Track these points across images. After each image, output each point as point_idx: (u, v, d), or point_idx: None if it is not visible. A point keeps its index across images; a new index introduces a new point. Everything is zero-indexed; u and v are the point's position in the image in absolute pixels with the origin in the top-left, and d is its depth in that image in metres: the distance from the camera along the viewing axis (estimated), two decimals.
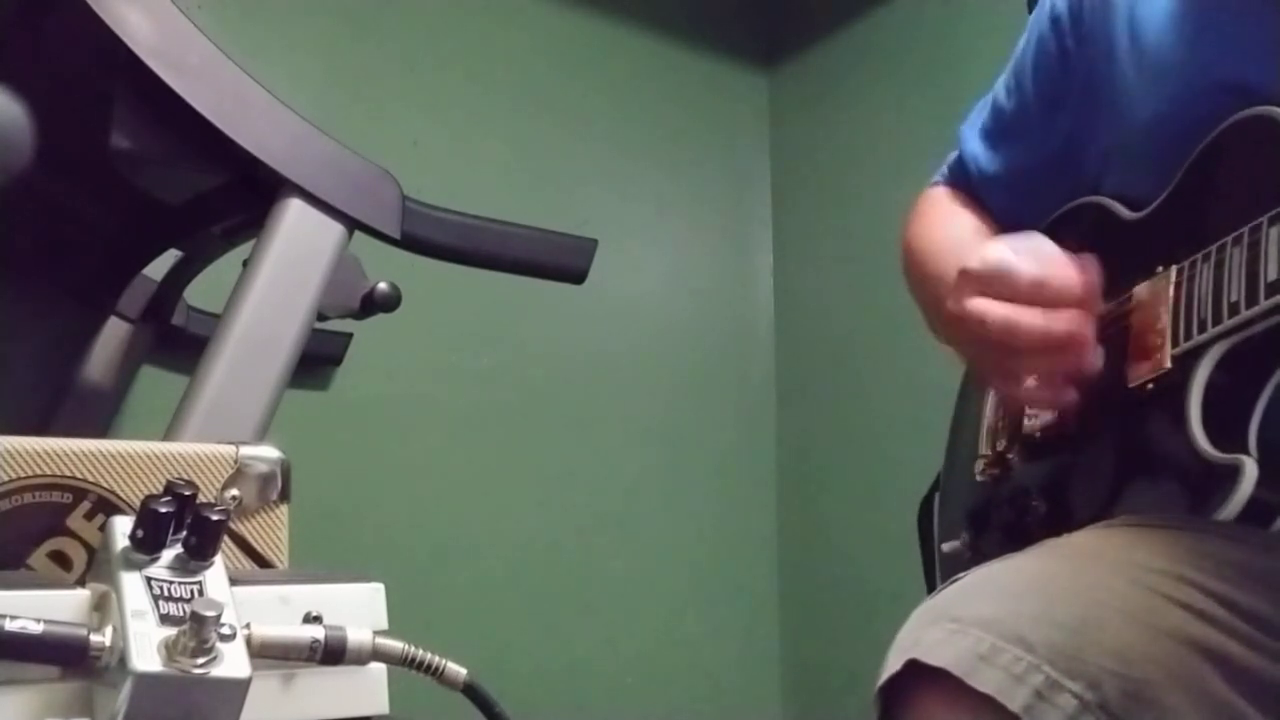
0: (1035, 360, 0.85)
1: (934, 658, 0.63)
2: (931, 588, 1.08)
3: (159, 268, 1.63)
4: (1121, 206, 0.94)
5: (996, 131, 1.11)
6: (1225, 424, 0.75)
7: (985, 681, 0.61)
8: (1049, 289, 0.83)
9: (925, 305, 1.06)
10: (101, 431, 1.62)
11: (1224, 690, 0.63)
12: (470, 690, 0.67)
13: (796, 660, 2.46)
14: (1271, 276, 0.72)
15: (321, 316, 1.33)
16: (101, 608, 0.61)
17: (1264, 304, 0.73)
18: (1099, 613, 0.63)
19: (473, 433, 2.15)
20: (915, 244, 1.11)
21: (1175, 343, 0.80)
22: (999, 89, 1.11)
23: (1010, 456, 0.98)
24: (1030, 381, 0.87)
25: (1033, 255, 0.85)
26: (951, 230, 1.09)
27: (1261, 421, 0.73)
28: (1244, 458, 0.72)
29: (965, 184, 1.14)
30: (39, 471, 0.72)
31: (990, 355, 0.87)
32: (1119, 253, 0.92)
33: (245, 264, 1.23)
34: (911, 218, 1.14)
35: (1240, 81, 0.82)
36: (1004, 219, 1.10)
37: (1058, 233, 1.01)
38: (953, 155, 1.17)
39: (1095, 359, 0.84)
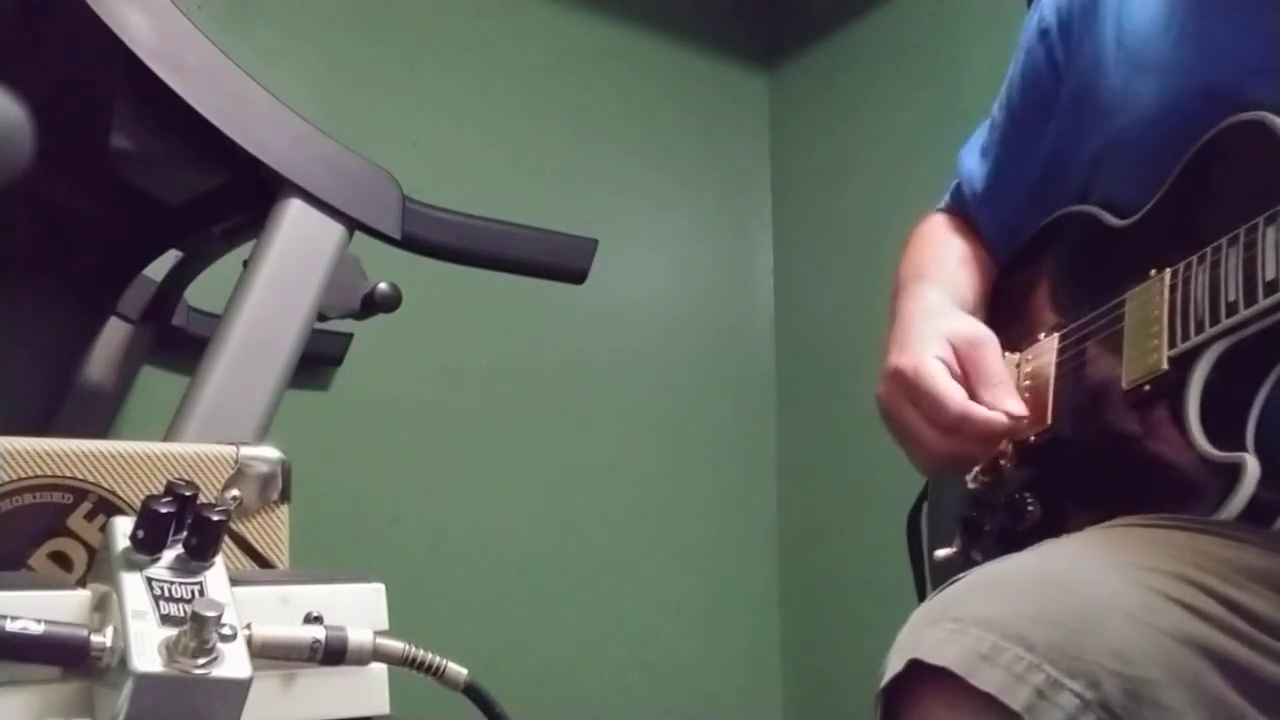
0: (952, 468, 0.95)
1: (935, 657, 0.63)
2: (922, 598, 1.08)
3: (159, 268, 1.63)
4: (1109, 214, 0.94)
5: (990, 147, 1.12)
6: (1224, 423, 0.75)
7: (986, 681, 0.61)
8: (971, 426, 0.89)
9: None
10: (102, 432, 1.62)
11: (1224, 690, 0.63)
12: (471, 690, 0.67)
13: (796, 660, 2.46)
14: (1269, 276, 0.72)
15: (322, 316, 1.33)
16: (102, 608, 0.61)
17: (1262, 303, 0.73)
18: (1100, 612, 0.63)
19: (473, 433, 2.15)
20: (896, 275, 1.11)
21: (1172, 344, 0.80)
22: (994, 108, 1.12)
23: (1003, 463, 0.98)
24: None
25: (973, 367, 0.92)
26: (929, 260, 1.10)
27: (1260, 420, 0.74)
28: (1245, 456, 0.72)
29: (961, 206, 1.15)
30: (39, 472, 0.72)
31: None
32: (1110, 259, 0.92)
33: (245, 264, 1.23)
34: (904, 246, 1.15)
35: (1226, 85, 0.82)
36: (992, 233, 1.11)
37: (1046, 242, 1.02)
38: (953, 182, 1.17)
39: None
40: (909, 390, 0.91)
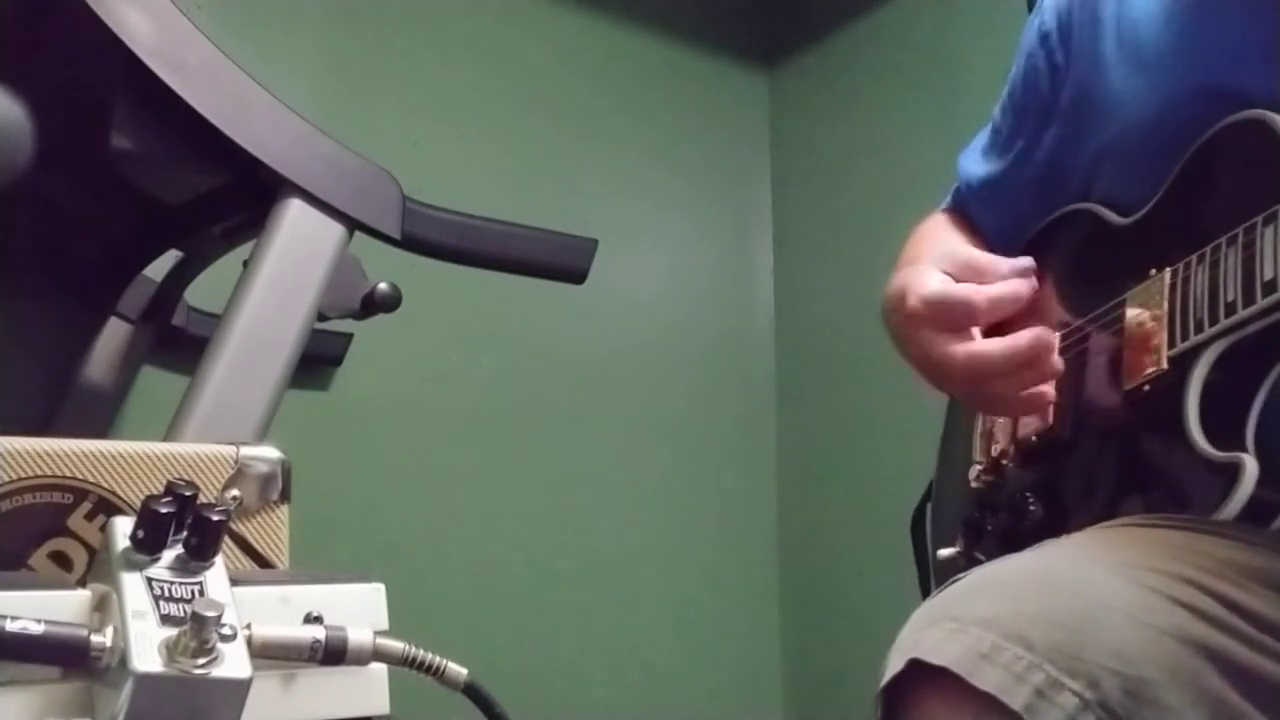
0: (1006, 382, 0.89)
1: (935, 657, 0.63)
2: (926, 598, 1.08)
3: (159, 268, 1.63)
4: (1111, 212, 0.94)
5: (991, 148, 1.12)
6: (1223, 423, 0.75)
7: (986, 680, 0.61)
8: (1005, 302, 0.89)
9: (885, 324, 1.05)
10: (102, 432, 1.62)
11: (1224, 689, 0.63)
12: (471, 690, 0.67)
13: (797, 660, 2.46)
14: (1268, 276, 0.72)
15: (322, 317, 1.33)
16: (102, 608, 0.61)
17: (1261, 303, 0.73)
18: (1099, 612, 0.63)
19: (473, 433, 2.16)
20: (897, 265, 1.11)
21: (1172, 344, 0.80)
22: (994, 111, 1.12)
23: (1005, 463, 0.98)
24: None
25: (966, 265, 0.91)
26: (925, 251, 1.09)
27: (1259, 420, 0.74)
28: (1243, 456, 0.72)
29: (961, 206, 1.15)
30: (39, 472, 0.73)
31: (963, 388, 0.93)
32: (1111, 258, 0.92)
33: (245, 264, 1.23)
34: (905, 243, 1.15)
35: (1229, 85, 0.82)
36: (991, 233, 1.11)
37: (1048, 241, 1.03)
38: (954, 185, 1.18)
39: (1058, 363, 0.88)
40: (931, 319, 0.90)
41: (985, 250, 1.10)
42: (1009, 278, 0.90)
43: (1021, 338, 0.86)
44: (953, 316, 0.89)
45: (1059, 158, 1.03)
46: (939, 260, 0.94)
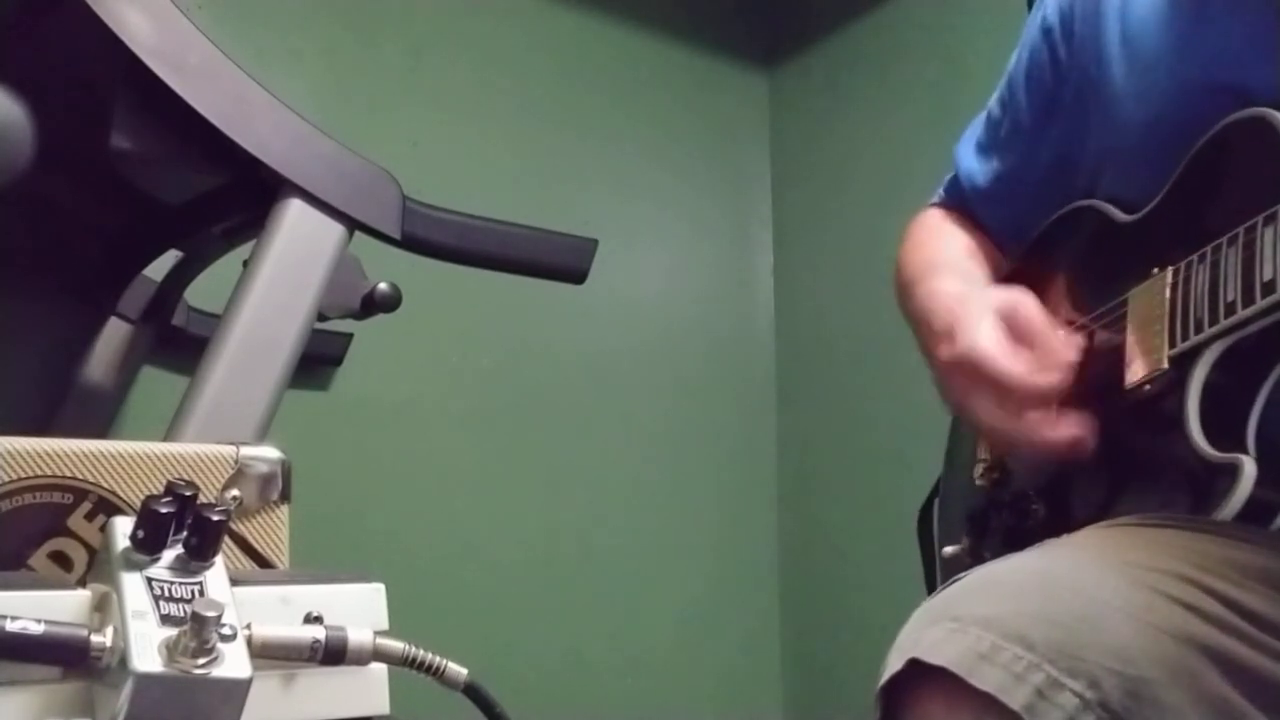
0: (1036, 459, 0.89)
1: (935, 657, 0.63)
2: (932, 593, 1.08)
3: (159, 268, 1.63)
4: (1116, 210, 0.94)
5: (990, 144, 1.11)
6: (1223, 423, 0.75)
7: (986, 680, 0.61)
8: (1037, 393, 0.85)
9: (915, 331, 1.04)
10: (102, 432, 1.62)
11: (1224, 689, 0.63)
12: (471, 690, 0.68)
13: (797, 660, 2.46)
14: (1267, 276, 0.72)
15: (321, 317, 1.33)
16: (102, 608, 0.61)
17: (1260, 304, 0.73)
18: (1099, 611, 0.63)
19: (473, 433, 2.15)
20: (904, 270, 1.09)
21: (1172, 343, 0.80)
22: (992, 103, 1.12)
23: (1009, 460, 0.98)
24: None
25: (1024, 330, 0.88)
26: (940, 252, 1.09)
27: (1259, 420, 0.74)
28: (1242, 457, 0.73)
29: (960, 201, 1.14)
30: (39, 472, 0.73)
31: (988, 443, 0.95)
32: (1114, 256, 0.92)
33: (245, 264, 1.23)
34: (904, 241, 1.14)
35: (1230, 83, 0.82)
36: (999, 232, 1.10)
37: (1053, 238, 1.02)
38: (948, 176, 1.17)
39: (1092, 443, 0.85)
40: (972, 379, 0.88)
41: (994, 250, 1.10)
42: (1054, 370, 0.85)
43: (1060, 437, 0.84)
44: (988, 386, 0.87)
45: (1063, 154, 1.03)
46: (998, 300, 0.91)
